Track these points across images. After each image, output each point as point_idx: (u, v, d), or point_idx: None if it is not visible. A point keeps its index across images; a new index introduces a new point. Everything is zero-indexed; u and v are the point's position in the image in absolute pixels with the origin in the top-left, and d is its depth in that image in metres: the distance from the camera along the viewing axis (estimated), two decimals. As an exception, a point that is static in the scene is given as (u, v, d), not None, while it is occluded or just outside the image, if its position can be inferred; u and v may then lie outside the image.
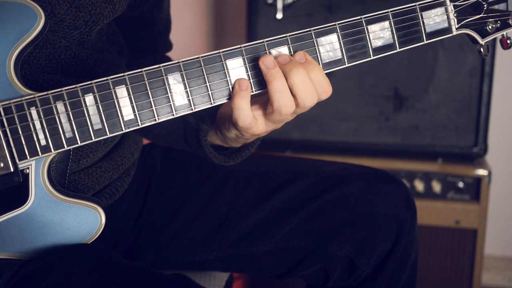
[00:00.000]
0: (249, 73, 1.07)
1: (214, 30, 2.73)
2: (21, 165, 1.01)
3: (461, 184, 2.18)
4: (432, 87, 2.16)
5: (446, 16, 1.15)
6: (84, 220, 1.05)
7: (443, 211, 2.19)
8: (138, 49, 1.43)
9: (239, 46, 1.06)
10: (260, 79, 1.07)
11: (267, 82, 1.05)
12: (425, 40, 1.15)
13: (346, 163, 1.45)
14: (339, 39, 1.10)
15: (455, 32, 1.16)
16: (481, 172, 2.17)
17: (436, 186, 2.19)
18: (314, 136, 2.24)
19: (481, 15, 1.16)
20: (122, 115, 1.02)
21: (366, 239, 1.33)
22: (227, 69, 1.06)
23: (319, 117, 2.22)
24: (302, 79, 1.04)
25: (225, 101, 1.07)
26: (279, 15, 2.16)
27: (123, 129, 1.03)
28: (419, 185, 2.20)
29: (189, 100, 1.05)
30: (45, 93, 0.99)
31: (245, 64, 1.07)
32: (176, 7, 1.71)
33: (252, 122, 1.07)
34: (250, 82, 1.07)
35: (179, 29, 1.62)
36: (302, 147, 2.26)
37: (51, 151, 1.01)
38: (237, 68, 1.06)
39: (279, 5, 2.15)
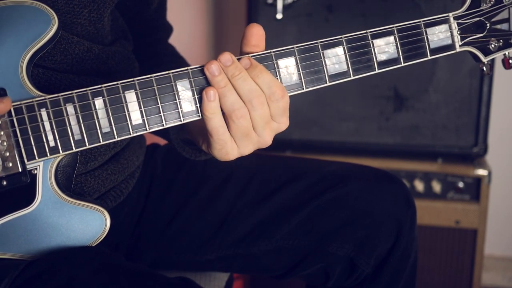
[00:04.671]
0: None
1: (214, 30, 2.74)
2: (29, 165, 1.01)
3: (461, 184, 2.18)
4: (432, 87, 2.16)
5: (449, 33, 1.16)
6: (89, 223, 1.05)
7: (443, 211, 2.19)
8: (137, 32, 1.44)
9: (246, 55, 1.07)
10: None
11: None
12: (429, 56, 1.16)
13: (346, 163, 1.45)
14: (345, 52, 1.11)
15: (458, 49, 1.18)
16: (481, 172, 2.18)
17: (436, 186, 2.20)
18: (314, 136, 2.24)
19: (484, 34, 1.17)
20: (130, 119, 1.03)
21: (366, 238, 1.33)
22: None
23: (319, 117, 2.22)
24: (246, 82, 1.03)
25: None
26: (279, 16, 2.16)
27: (131, 133, 1.04)
28: (419, 185, 2.21)
29: (197, 107, 1.06)
30: (56, 95, 1.00)
31: None
32: (176, 7, 1.71)
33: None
34: None
35: (179, 29, 1.63)
36: (302, 147, 2.27)
37: (59, 153, 1.01)
38: None
39: (279, 5, 2.15)
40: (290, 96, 1.09)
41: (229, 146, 1.06)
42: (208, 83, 1.04)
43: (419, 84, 2.17)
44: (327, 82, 1.11)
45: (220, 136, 1.04)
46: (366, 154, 2.23)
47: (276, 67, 1.08)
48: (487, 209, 2.19)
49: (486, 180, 2.17)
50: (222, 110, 1.04)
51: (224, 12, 2.73)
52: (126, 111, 1.03)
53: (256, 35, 1.06)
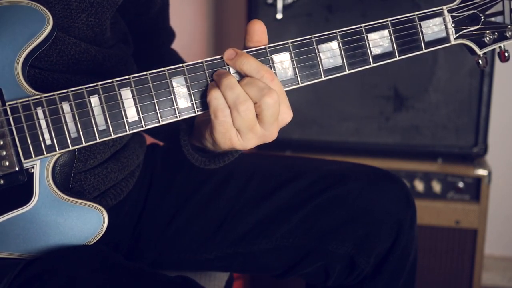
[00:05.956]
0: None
1: (214, 30, 2.74)
2: (26, 164, 1.01)
3: (461, 184, 2.18)
4: (432, 87, 2.16)
5: (444, 26, 1.17)
6: (87, 221, 1.05)
7: (443, 211, 2.19)
8: (138, 35, 1.44)
9: (244, 50, 1.08)
10: None
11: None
12: (424, 49, 1.17)
13: (347, 162, 1.45)
14: (339, 46, 1.12)
15: (453, 42, 1.18)
16: (481, 172, 2.17)
17: (436, 186, 2.20)
18: (314, 136, 2.24)
19: (478, 27, 1.18)
20: (126, 117, 1.04)
21: (366, 237, 1.33)
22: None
23: (319, 117, 2.22)
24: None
25: None
26: (279, 16, 2.16)
27: (127, 130, 1.04)
28: (419, 185, 2.21)
29: (192, 103, 1.06)
30: (52, 93, 1.01)
31: None
32: (176, 7, 1.71)
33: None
34: None
35: (179, 29, 1.62)
36: (302, 147, 2.27)
37: (56, 151, 1.01)
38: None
39: (279, 5, 2.16)
40: (290, 96, 1.09)
41: (233, 131, 1.06)
42: (203, 79, 1.05)
43: (419, 84, 2.17)
44: (323, 77, 1.12)
45: (225, 118, 1.04)
46: (366, 154, 2.23)
47: (271, 62, 1.09)
48: (487, 209, 2.19)
49: (486, 180, 2.17)
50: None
51: (224, 12, 2.73)
52: (122, 109, 1.03)
53: (258, 31, 1.08)
